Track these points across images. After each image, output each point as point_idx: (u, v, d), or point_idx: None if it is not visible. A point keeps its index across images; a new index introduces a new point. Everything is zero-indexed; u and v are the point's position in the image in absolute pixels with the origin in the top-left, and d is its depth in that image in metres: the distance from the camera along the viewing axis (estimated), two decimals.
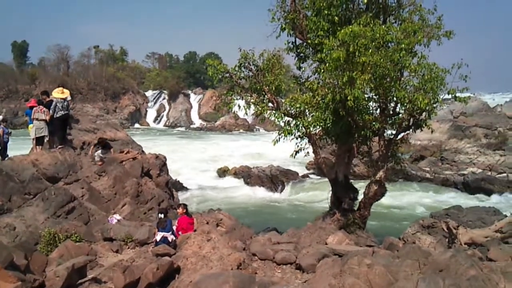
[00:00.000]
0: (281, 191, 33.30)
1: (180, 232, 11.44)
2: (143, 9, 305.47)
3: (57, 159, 15.80)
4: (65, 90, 17.04)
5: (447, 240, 13.90)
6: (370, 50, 12.04)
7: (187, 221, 11.76)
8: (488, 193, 31.01)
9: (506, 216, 15.46)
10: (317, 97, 13.49)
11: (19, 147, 21.02)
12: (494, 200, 28.52)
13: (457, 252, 7.54)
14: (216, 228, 12.32)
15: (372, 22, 12.82)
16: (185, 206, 12.42)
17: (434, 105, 12.82)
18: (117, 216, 14.20)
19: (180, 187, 31.99)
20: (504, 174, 33.58)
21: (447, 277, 6.65)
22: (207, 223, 12.51)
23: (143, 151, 21.26)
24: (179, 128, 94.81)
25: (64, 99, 16.57)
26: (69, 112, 17.17)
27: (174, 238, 10.82)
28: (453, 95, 12.93)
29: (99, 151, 16.89)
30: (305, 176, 36.72)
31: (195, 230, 11.26)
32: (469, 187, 32.14)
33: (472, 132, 41.54)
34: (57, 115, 16.11)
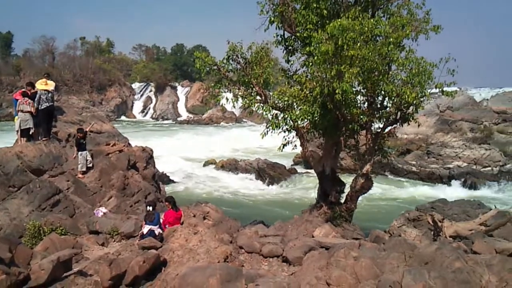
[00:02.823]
0: (268, 184, 33.38)
1: (166, 226, 11.41)
2: (130, 0, 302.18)
3: (42, 151, 15.60)
4: (49, 82, 16.76)
5: (432, 233, 14.01)
6: (359, 44, 12.02)
7: (173, 215, 11.73)
8: (473, 186, 31.44)
9: (490, 209, 15.60)
10: (305, 90, 13.45)
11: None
12: (478, 194, 28.91)
13: (443, 244, 7.62)
14: (203, 221, 12.29)
15: (360, 15, 12.79)
16: (171, 199, 12.38)
17: (421, 99, 12.86)
18: (103, 209, 14.11)
19: (167, 180, 31.91)
20: (489, 168, 34.03)
21: (432, 270, 6.71)
22: (194, 216, 12.47)
23: (129, 144, 21.11)
24: (166, 121, 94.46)
25: (48, 91, 16.32)
26: (54, 104, 16.93)
27: (160, 231, 10.79)
28: (440, 89, 12.98)
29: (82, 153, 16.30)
30: (292, 169, 36.82)
31: (182, 223, 11.23)
32: (454, 180, 32.54)
33: (458, 126, 41.91)
34: (42, 107, 15.90)
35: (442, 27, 13.72)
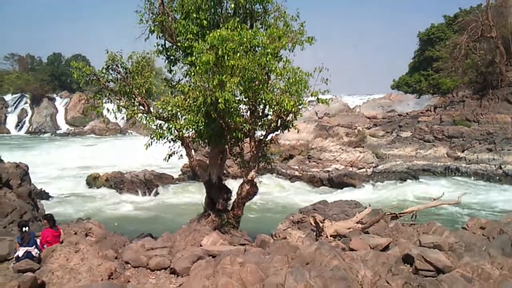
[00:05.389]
0: (156, 195, 32.79)
1: (45, 246, 10.70)
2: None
3: None
4: None
5: (315, 233, 14.70)
6: (238, 54, 12.31)
7: (52, 233, 11.05)
8: (350, 187, 33.70)
9: (365, 207, 16.77)
10: (188, 100, 13.47)
11: None
12: (355, 193, 30.95)
13: (321, 244, 8.08)
14: (85, 238, 11.72)
15: (239, 26, 13.11)
16: (50, 217, 11.65)
17: (299, 107, 13.47)
18: None
19: (46, 197, 29.99)
20: (364, 169, 36.75)
21: (312, 269, 7.08)
22: (75, 233, 11.85)
23: (1, 160, 19.51)
24: (44, 134, 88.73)
25: None
26: None
27: (38, 252, 10.09)
28: (316, 97, 13.70)
29: None
30: (180, 179, 36.51)
31: (61, 242, 10.60)
32: (333, 182, 34.66)
33: (335, 131, 44.76)
34: None
35: (316, 39, 14.57)
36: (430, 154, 39.81)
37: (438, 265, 8.44)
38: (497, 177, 34.87)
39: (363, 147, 40.92)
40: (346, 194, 29.94)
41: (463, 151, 38.65)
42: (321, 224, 14.22)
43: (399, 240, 11.26)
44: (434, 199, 15.83)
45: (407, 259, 9.17)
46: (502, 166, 35.15)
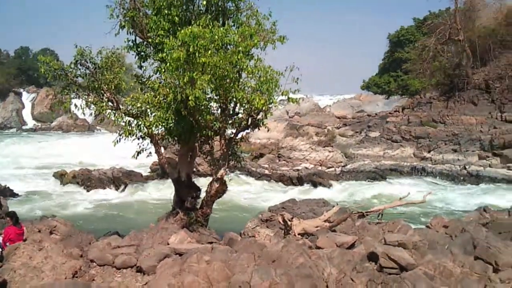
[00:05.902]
0: (124, 192, 32.40)
1: (7, 244, 10.45)
2: None
3: None
4: None
5: (283, 231, 14.79)
6: (210, 51, 12.23)
7: (15, 231, 10.80)
8: (319, 185, 34.04)
9: (333, 206, 16.97)
10: (158, 96, 13.37)
11: None
12: (323, 192, 31.26)
13: (288, 242, 8.14)
14: (50, 236, 11.49)
15: (211, 24, 13.05)
16: (13, 214, 11.40)
17: (270, 106, 13.50)
18: None
19: (11, 194, 29.29)
20: (332, 168, 37.17)
21: (278, 267, 7.14)
22: (39, 231, 11.60)
23: None
24: (9, 130, 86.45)
25: None
26: None
27: (0, 250, 9.85)
28: (286, 96, 13.76)
29: None
30: (149, 177, 36.15)
31: (25, 240, 10.38)
32: (302, 181, 34.92)
33: (305, 131, 45.13)
34: None
35: (288, 38, 14.62)
36: (397, 154, 40.55)
37: (402, 263, 8.61)
38: (461, 177, 35.79)
39: (332, 146, 41.37)
40: (314, 193, 30.26)
41: (429, 152, 39.51)
42: (289, 223, 14.31)
43: (365, 238, 11.42)
44: (400, 198, 16.12)
45: (372, 257, 9.32)
46: (467, 167, 36.08)
